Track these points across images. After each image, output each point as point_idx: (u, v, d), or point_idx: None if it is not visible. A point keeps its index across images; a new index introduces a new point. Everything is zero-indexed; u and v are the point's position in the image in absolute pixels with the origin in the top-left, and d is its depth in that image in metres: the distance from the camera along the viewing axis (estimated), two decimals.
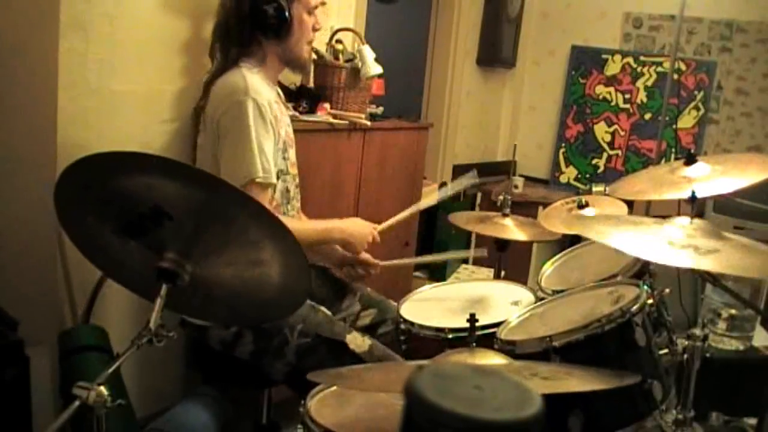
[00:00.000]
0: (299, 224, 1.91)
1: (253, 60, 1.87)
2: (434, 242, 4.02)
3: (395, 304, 1.99)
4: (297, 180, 2.00)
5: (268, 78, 1.89)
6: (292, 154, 1.96)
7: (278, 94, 2.00)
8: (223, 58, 1.88)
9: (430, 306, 1.92)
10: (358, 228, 1.95)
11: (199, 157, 1.90)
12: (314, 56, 2.77)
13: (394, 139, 3.02)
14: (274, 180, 1.79)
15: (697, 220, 1.43)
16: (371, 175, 2.89)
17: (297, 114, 2.52)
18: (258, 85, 1.78)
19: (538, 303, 1.77)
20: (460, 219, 2.46)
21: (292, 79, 2.71)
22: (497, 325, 1.63)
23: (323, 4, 2.88)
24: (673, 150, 3.97)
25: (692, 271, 1.48)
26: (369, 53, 2.70)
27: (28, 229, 1.95)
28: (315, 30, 1.95)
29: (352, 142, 2.76)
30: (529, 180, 4.59)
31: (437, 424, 0.66)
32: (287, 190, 1.93)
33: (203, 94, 1.88)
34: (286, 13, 1.84)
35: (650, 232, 1.43)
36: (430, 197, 2.28)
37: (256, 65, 1.86)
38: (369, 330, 2.01)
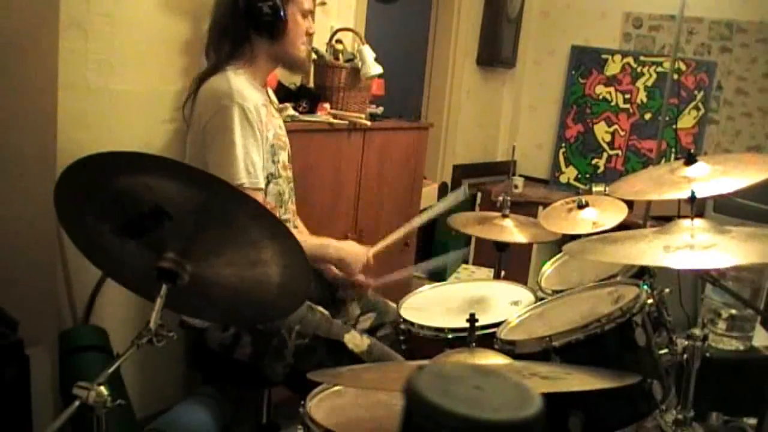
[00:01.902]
0: (297, 236, 1.90)
1: (242, 60, 1.85)
2: (434, 243, 4.02)
3: (394, 305, 1.99)
4: (291, 183, 2.00)
5: (256, 79, 1.88)
6: (283, 156, 1.94)
7: (268, 95, 1.98)
8: (215, 57, 1.87)
9: (429, 306, 1.92)
10: (354, 249, 1.96)
11: (188, 153, 1.89)
12: (314, 56, 2.77)
13: (394, 139, 3.02)
14: (261, 184, 1.79)
15: (697, 221, 1.43)
16: (371, 175, 2.89)
17: (297, 114, 2.52)
18: (243, 89, 1.77)
19: (538, 303, 1.77)
20: (460, 221, 2.46)
21: (292, 79, 2.71)
22: (497, 325, 1.63)
23: (323, 3, 2.90)
24: (673, 150, 3.97)
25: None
26: (369, 53, 2.70)
27: (28, 229, 1.95)
28: (308, 34, 1.93)
29: (352, 142, 2.76)
30: (529, 180, 4.59)
31: (437, 424, 0.66)
32: (280, 193, 1.92)
33: (191, 94, 1.86)
34: (281, 13, 1.83)
35: (649, 240, 1.44)
36: (422, 216, 2.27)
37: (244, 66, 1.85)
38: (369, 333, 2.01)
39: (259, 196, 1.78)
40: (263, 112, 1.83)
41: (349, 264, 1.94)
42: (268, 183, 1.85)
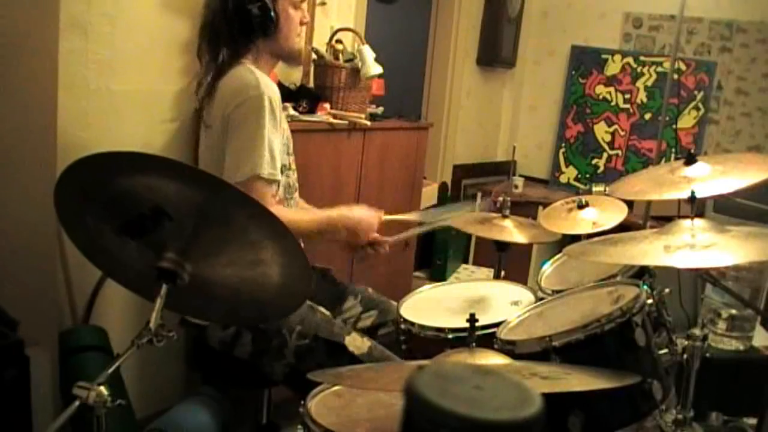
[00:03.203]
0: (301, 215, 1.90)
1: (249, 58, 1.87)
2: (434, 243, 4.02)
3: (396, 304, 1.99)
4: (296, 174, 2.02)
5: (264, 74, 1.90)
6: (292, 149, 1.97)
7: None
8: (214, 60, 1.86)
9: (430, 306, 1.92)
10: (363, 216, 1.91)
11: (205, 160, 1.89)
12: (314, 56, 2.77)
13: (394, 139, 3.02)
14: (279, 177, 1.80)
15: (697, 221, 1.43)
16: (371, 175, 2.89)
17: (297, 114, 2.52)
18: (268, 81, 1.79)
19: (538, 303, 1.77)
20: (460, 220, 2.46)
21: (292, 79, 2.71)
22: (497, 325, 1.63)
23: (323, 3, 2.90)
24: (673, 150, 3.97)
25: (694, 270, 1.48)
26: (369, 53, 2.70)
27: (28, 229, 1.96)
28: (302, 24, 1.94)
29: (352, 142, 2.76)
30: (529, 180, 4.59)
31: (437, 424, 0.66)
32: (290, 185, 1.94)
33: (206, 95, 1.86)
34: (271, 11, 1.83)
35: (649, 241, 1.44)
36: (434, 216, 2.25)
37: (252, 63, 1.86)
38: (370, 332, 2.01)
39: (273, 189, 1.79)
40: (281, 105, 1.85)
41: (359, 234, 1.90)
42: (282, 174, 1.86)
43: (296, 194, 2.02)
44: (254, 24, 1.83)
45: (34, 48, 1.92)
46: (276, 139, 1.77)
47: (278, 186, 1.85)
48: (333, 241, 2.06)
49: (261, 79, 1.76)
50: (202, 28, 1.90)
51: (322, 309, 1.87)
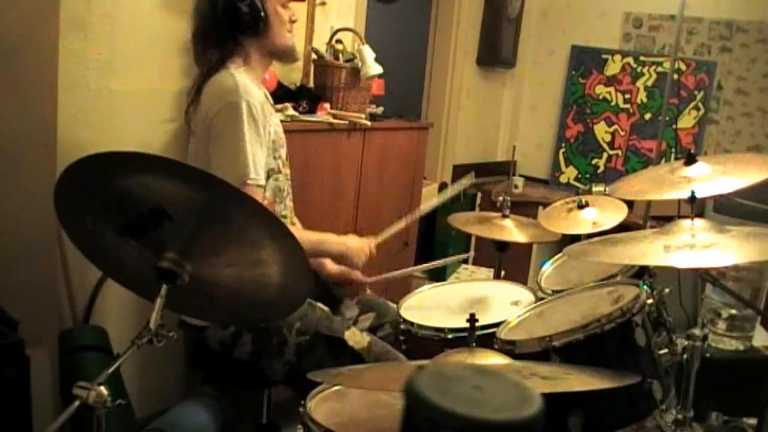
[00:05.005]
0: (297, 232, 1.90)
1: (237, 60, 1.86)
2: (434, 243, 4.02)
3: (394, 306, 1.99)
4: (290, 180, 2.00)
5: (254, 77, 1.89)
6: (283, 153, 1.95)
7: (265, 94, 1.98)
8: (205, 63, 1.86)
9: (429, 306, 1.93)
10: (355, 243, 1.96)
11: (191, 154, 1.89)
12: (314, 56, 2.77)
13: (394, 139, 3.02)
14: (263, 182, 1.80)
15: (697, 221, 1.43)
16: (371, 175, 2.89)
17: (297, 114, 2.52)
18: (248, 85, 1.78)
19: (538, 303, 1.77)
20: (460, 220, 2.46)
21: (292, 78, 2.71)
22: (497, 325, 1.63)
23: (323, 3, 2.90)
24: (673, 150, 3.96)
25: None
26: (369, 53, 2.70)
27: (28, 229, 1.95)
28: (292, 22, 1.94)
29: (352, 142, 2.76)
30: (529, 180, 4.59)
31: (437, 424, 0.66)
32: (280, 189, 1.92)
33: (193, 98, 1.86)
34: (261, 10, 1.83)
35: (649, 241, 1.44)
36: (427, 204, 2.26)
37: (241, 65, 1.86)
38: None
39: (260, 193, 1.79)
40: (266, 109, 1.84)
41: (350, 258, 1.94)
42: (268, 178, 1.85)
43: (288, 201, 2.00)
44: (243, 23, 1.82)
45: (34, 48, 1.92)
46: (258, 144, 1.76)
47: (264, 190, 1.84)
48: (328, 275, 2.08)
49: (240, 84, 1.75)
50: (193, 35, 1.90)
51: (320, 305, 1.87)
